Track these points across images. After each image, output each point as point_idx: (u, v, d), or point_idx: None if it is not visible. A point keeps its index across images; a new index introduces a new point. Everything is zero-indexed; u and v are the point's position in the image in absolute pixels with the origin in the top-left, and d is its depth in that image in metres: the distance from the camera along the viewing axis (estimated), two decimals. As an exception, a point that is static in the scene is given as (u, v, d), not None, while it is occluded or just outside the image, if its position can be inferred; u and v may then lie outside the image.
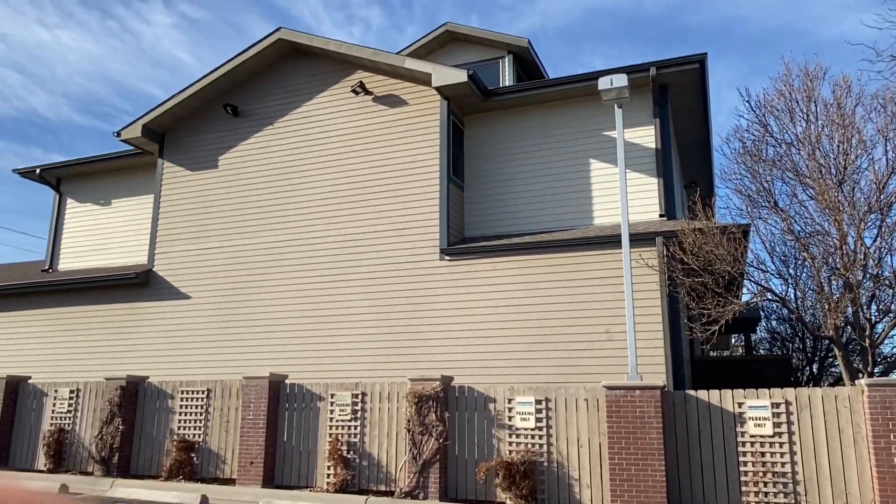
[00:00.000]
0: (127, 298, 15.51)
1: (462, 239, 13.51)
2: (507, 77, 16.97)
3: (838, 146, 10.31)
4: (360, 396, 10.61)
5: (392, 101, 14.12)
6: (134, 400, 12.28)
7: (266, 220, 14.65)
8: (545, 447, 9.40)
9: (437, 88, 13.37)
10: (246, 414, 11.04)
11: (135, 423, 12.22)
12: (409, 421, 9.96)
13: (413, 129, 13.76)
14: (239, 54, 15.28)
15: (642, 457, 8.69)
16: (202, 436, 11.59)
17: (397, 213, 13.46)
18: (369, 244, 13.53)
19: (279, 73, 15.43)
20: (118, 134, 15.98)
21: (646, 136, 12.75)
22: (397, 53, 14.97)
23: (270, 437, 10.92)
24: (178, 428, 11.79)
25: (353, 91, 14.32)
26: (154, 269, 15.44)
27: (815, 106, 10.66)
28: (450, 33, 17.95)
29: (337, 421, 10.65)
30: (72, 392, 12.86)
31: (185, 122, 16.12)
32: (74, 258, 17.71)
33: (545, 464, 9.34)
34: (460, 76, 13.07)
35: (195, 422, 11.70)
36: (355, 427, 10.52)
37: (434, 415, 9.83)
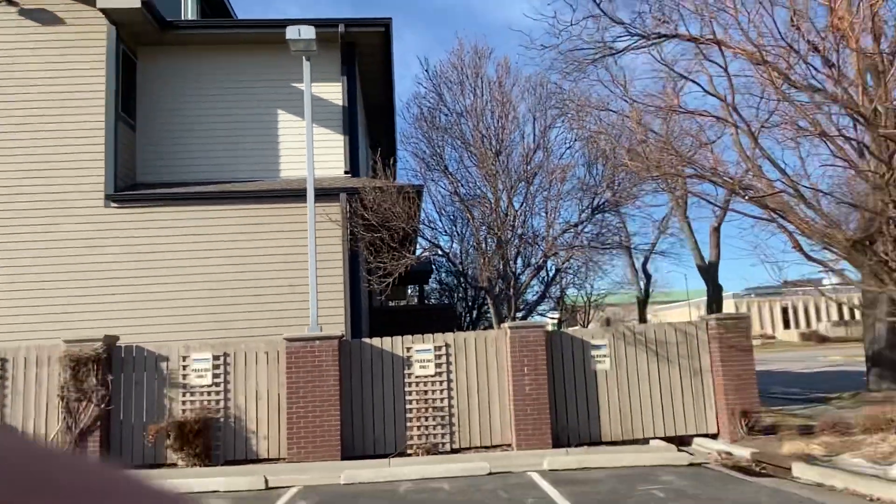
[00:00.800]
0: None
1: (134, 184, 12.21)
2: (189, 11, 15.59)
3: (498, 120, 11.74)
4: (-2, 363, 9.07)
5: (44, 17, 11.96)
6: None
7: None
8: (222, 403, 9.19)
9: (104, 11, 11.69)
10: None
11: None
12: (62, 387, 8.85)
13: (73, 55, 11.87)
14: None
15: (320, 404, 9.03)
16: None
17: (53, 150, 11.56)
18: (17, 183, 11.44)
19: None
20: None
21: (334, 92, 12.90)
22: (53, -39, 12.66)
23: None
24: None
25: (-9, -3, 11.78)
26: None
27: (482, 82, 11.95)
28: (123, -51, 15.77)
29: (-35, 394, 8.98)
30: None
31: None
32: None
33: (222, 419, 9.14)
34: (133, 1, 11.62)
35: None
36: (-9, 399, 8.99)
37: (95, 378, 8.89)
